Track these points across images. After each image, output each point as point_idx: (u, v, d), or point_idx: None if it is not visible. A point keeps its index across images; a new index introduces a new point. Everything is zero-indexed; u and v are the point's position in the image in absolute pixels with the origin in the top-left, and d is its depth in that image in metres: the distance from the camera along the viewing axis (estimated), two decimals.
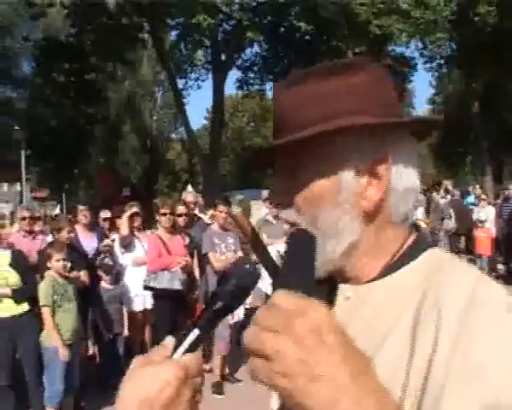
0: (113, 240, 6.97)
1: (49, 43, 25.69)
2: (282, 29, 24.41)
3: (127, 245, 6.90)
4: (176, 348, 0.77)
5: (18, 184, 40.63)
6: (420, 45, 26.81)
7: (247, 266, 0.82)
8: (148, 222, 8.02)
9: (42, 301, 5.28)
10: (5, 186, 54.64)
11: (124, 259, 6.96)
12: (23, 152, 30.62)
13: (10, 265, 5.56)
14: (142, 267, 6.81)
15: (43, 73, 25.99)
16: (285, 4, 21.94)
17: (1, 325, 5.56)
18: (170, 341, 0.78)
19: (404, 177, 0.94)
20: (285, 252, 0.86)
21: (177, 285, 6.32)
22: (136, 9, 22.65)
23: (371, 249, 0.94)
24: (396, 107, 0.98)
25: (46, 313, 5.26)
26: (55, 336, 5.23)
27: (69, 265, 5.79)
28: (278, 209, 1.05)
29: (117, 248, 6.93)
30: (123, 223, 6.80)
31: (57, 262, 5.42)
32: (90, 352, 6.66)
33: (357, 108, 0.92)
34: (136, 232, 7.11)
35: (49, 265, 5.48)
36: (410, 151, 0.96)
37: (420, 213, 14.98)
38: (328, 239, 0.93)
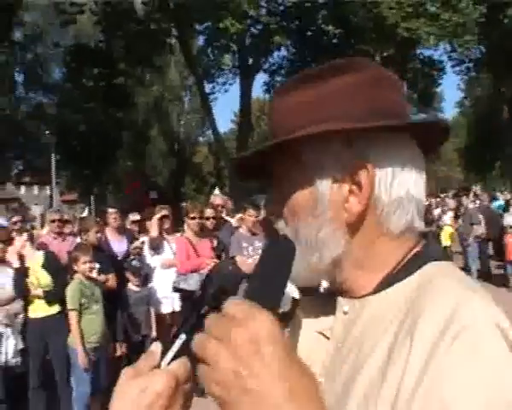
0: (142, 242, 7.03)
1: (79, 49, 26.19)
2: (310, 33, 24.43)
3: (156, 247, 6.95)
4: (163, 354, 0.76)
5: (48, 187, 41.30)
6: (448, 48, 26.59)
7: (230, 267, 0.82)
8: (175, 225, 8.08)
9: (69, 305, 5.31)
10: (35, 189, 55.58)
11: (153, 261, 7.01)
12: (53, 156, 31.12)
13: (43, 266, 5.64)
14: (170, 269, 6.86)
15: (73, 78, 26.45)
16: (312, 8, 21.96)
17: (33, 326, 5.65)
18: (157, 348, 0.76)
19: (397, 184, 0.86)
20: (260, 257, 0.81)
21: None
22: (164, 15, 22.88)
23: (365, 262, 0.88)
24: (392, 109, 0.88)
25: (73, 317, 5.28)
26: (78, 342, 5.24)
27: (97, 266, 5.86)
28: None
29: (146, 251, 6.99)
30: (153, 225, 6.86)
31: (84, 265, 5.44)
32: (118, 353, 6.72)
33: (336, 114, 0.86)
34: (165, 235, 7.15)
35: (75, 268, 5.50)
36: (404, 156, 0.88)
37: (448, 218, 14.86)
38: (310, 252, 0.88)
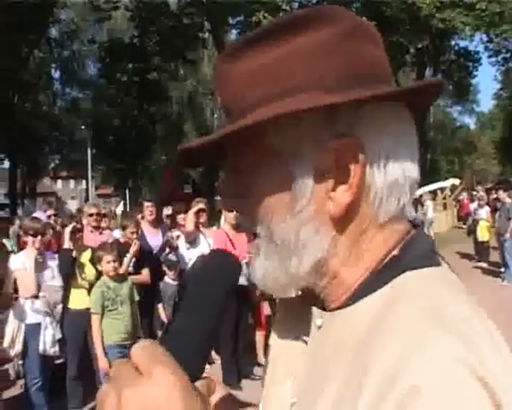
0: (178, 236, 7.09)
1: (114, 45, 26.53)
2: None
3: (192, 241, 6.99)
4: None
5: (84, 181, 42.03)
6: (484, 38, 26.11)
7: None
8: (209, 219, 8.11)
9: (91, 309, 5.33)
10: (72, 183, 56.64)
11: (188, 254, 7.05)
12: (89, 150, 31.65)
13: (90, 260, 5.73)
14: None
15: (108, 73, 26.85)
16: (346, 0, 21.80)
17: (73, 317, 5.75)
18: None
19: (392, 164, 0.69)
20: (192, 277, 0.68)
21: (242, 280, 6.37)
22: (196, 10, 23.03)
23: (347, 263, 0.71)
24: (377, 69, 0.72)
25: (94, 320, 5.28)
26: (98, 346, 5.23)
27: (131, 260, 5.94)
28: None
29: (182, 244, 7.04)
30: (189, 218, 6.90)
31: (108, 264, 5.37)
32: None
33: (307, 81, 0.68)
34: (201, 228, 7.18)
35: (99, 268, 5.49)
36: (398, 128, 0.71)
37: (484, 212, 14.61)
38: (288, 256, 0.71)
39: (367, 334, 0.63)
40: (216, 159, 0.83)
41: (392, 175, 0.69)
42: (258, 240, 0.75)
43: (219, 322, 0.66)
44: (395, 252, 0.70)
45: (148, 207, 7.09)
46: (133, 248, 6.16)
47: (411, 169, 0.71)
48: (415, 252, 0.70)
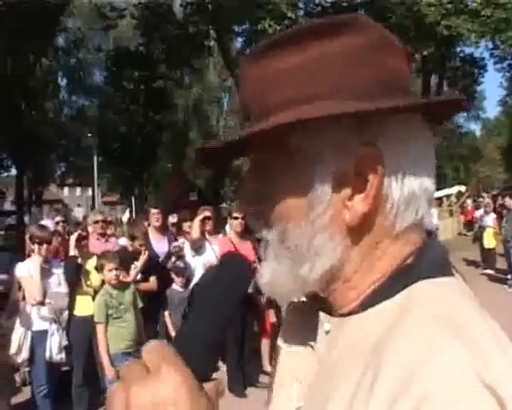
0: (183, 242, 7.11)
1: (120, 53, 26.65)
2: None
3: (198, 248, 7.00)
4: None
5: (90, 188, 42.12)
6: (490, 45, 26.04)
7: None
8: (215, 226, 8.11)
9: (95, 319, 5.34)
10: (78, 190, 56.79)
11: (194, 262, 7.06)
12: (95, 158, 31.74)
13: (95, 268, 5.75)
14: None
15: (114, 81, 26.96)
16: (350, 7, 21.82)
17: (78, 324, 5.76)
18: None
19: (411, 177, 0.70)
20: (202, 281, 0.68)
21: None
22: (202, 18, 23.10)
23: (359, 271, 0.72)
24: (401, 82, 0.72)
25: (98, 330, 5.30)
26: (104, 354, 5.24)
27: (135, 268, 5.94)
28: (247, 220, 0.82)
29: (187, 252, 7.05)
30: (195, 226, 6.92)
31: (110, 272, 5.39)
32: None
33: (333, 87, 0.68)
34: (207, 236, 7.19)
35: (101, 276, 5.50)
36: (419, 141, 0.71)
37: (490, 219, 14.55)
38: (299, 262, 0.71)
39: (378, 340, 0.64)
40: (230, 160, 0.83)
41: (409, 189, 0.70)
42: (265, 243, 0.75)
43: (229, 325, 0.66)
44: (409, 261, 0.71)
45: (155, 215, 7.12)
46: (142, 258, 6.18)
47: (428, 184, 0.72)
48: (428, 260, 0.70)
